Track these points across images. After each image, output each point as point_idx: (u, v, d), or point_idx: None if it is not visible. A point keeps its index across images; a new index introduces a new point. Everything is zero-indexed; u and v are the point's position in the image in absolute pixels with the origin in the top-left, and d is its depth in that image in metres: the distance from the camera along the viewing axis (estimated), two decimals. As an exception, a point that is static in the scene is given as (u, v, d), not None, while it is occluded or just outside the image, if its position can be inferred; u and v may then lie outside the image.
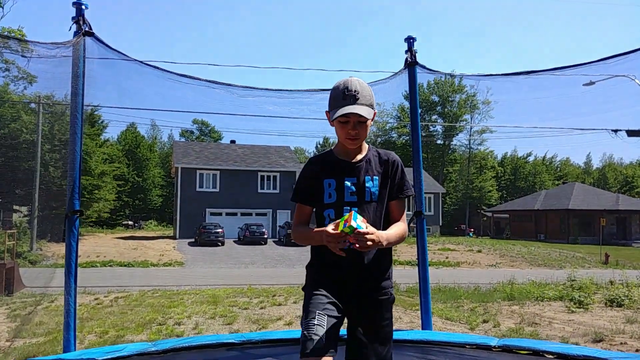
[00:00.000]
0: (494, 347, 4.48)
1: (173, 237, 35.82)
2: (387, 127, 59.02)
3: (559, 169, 74.15)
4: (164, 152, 64.17)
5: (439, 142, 61.65)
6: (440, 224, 46.09)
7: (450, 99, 58.23)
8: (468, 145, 61.38)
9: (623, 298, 10.86)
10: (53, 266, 18.65)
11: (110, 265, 20.83)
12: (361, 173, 2.29)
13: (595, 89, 6.93)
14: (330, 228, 2.09)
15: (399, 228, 2.28)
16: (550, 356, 4.23)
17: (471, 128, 59.79)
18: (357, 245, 2.05)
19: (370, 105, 2.26)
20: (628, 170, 73.28)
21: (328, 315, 2.15)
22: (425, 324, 5.05)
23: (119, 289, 12.73)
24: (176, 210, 37.16)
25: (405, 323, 8.13)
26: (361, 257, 2.24)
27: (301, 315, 2.22)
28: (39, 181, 24.35)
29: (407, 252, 22.41)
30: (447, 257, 26.35)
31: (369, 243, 2.04)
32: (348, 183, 2.27)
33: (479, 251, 29.94)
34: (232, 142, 43.63)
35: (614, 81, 6.84)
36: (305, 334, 2.11)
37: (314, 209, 2.37)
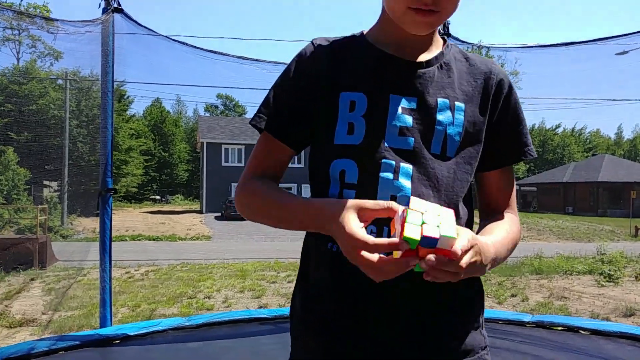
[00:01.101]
0: (528, 323, 4.43)
1: (200, 212, 36.32)
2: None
3: (588, 140, 72.60)
4: (189, 127, 64.64)
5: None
6: (466, 197, 45.70)
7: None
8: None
9: (655, 272, 10.70)
10: (84, 240, 19.10)
11: (140, 240, 21.25)
12: (429, 89, 1.05)
13: (628, 57, 6.71)
14: (369, 238, 0.85)
15: (510, 228, 1.08)
16: (585, 332, 4.16)
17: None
18: (430, 274, 0.82)
19: None
20: (661, 141, 71.38)
21: None
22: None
23: (148, 262, 12.97)
24: (202, 184, 37.59)
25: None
26: (421, 289, 0.98)
27: None
28: (68, 157, 24.77)
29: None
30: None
31: (461, 271, 0.83)
32: (399, 107, 1.03)
33: (506, 224, 29.64)
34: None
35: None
36: None
37: (309, 160, 1.13)
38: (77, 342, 3.91)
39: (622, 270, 11.14)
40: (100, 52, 4.10)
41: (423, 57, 1.07)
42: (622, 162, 48.30)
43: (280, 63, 4.44)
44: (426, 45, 1.09)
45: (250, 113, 55.81)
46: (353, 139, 1.02)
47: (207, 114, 60.49)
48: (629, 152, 69.39)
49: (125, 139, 38.20)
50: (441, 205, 0.89)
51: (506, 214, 1.12)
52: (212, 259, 13.98)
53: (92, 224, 22.05)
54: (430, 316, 1.01)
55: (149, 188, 53.42)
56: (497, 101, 1.10)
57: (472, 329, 1.06)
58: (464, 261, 0.82)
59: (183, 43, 4.26)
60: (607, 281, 10.13)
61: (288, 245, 19.92)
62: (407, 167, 1.00)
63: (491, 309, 7.26)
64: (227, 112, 64.45)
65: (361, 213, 0.90)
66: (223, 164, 36.87)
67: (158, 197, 53.58)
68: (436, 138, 1.03)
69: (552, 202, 46.57)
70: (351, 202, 0.91)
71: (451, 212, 0.86)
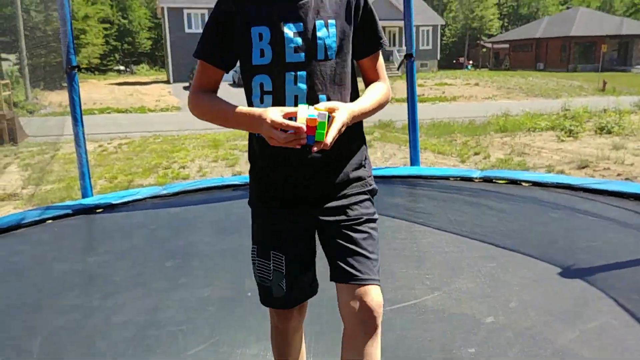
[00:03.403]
0: (476, 178, 4.78)
1: (167, 82, 35.48)
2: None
3: (564, -8, 70.79)
4: (148, -10, 60.74)
5: (438, -33, 58.05)
6: (438, 58, 45.29)
7: None
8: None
9: (613, 125, 11.13)
10: (51, 115, 18.81)
11: (109, 112, 20.98)
12: (309, 15, 1.45)
13: None
14: (276, 114, 1.33)
15: (377, 92, 1.55)
16: (527, 184, 4.53)
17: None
18: (315, 148, 1.32)
19: None
20: (636, -8, 69.91)
21: (287, 254, 1.55)
22: (414, 160, 5.32)
23: (120, 135, 12.99)
24: (167, 54, 36.29)
25: (399, 159, 8.47)
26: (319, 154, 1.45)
27: (252, 245, 1.62)
28: (23, 27, 23.41)
29: (404, 89, 22.35)
30: (443, 92, 26.35)
31: (332, 136, 1.32)
32: (289, 32, 1.43)
33: (476, 84, 29.84)
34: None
35: None
36: (262, 280, 1.59)
37: (240, 74, 1.56)
38: (63, 212, 4.14)
39: (583, 125, 11.57)
40: None
41: None
42: (595, 14, 47.69)
43: None
44: None
45: (212, -27, 52.35)
46: (264, 60, 1.45)
47: (166, -24, 56.60)
48: (604, 3, 68.15)
49: (80, 6, 35.96)
50: (328, 92, 1.47)
51: (376, 83, 1.60)
52: (183, 130, 14.05)
53: (57, 97, 21.54)
54: (329, 165, 1.53)
55: (112, 58, 51.32)
56: (357, 13, 1.53)
57: (359, 168, 1.60)
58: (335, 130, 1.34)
59: None
60: (567, 136, 10.57)
61: (260, 112, 19.90)
62: (302, 73, 1.45)
63: (454, 167, 7.66)
64: (187, -28, 60.31)
65: (284, 114, 1.35)
66: (187, 30, 35.32)
67: (122, 68, 51.80)
68: (319, 48, 1.46)
69: (524, 59, 46.55)
70: (273, 107, 1.37)
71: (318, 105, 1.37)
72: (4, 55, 27.08)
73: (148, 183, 7.11)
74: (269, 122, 1.32)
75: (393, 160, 8.44)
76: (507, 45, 50.69)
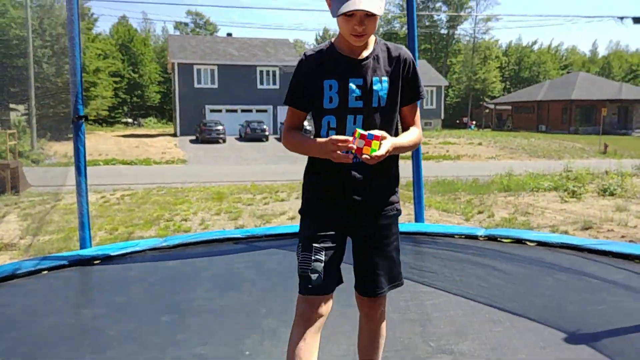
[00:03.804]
0: (481, 236, 4.71)
1: (174, 135, 35.94)
2: (390, 17, 57.00)
3: (564, 57, 72.53)
4: (159, 47, 62.45)
5: (443, 31, 59.81)
6: (442, 118, 45.95)
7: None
8: (472, 35, 59.67)
9: (616, 187, 11.15)
10: (57, 165, 18.95)
11: (113, 164, 21.14)
12: (368, 73, 1.90)
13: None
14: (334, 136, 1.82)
15: (412, 133, 1.99)
16: (532, 244, 4.46)
17: (476, 16, 57.73)
18: (365, 156, 1.76)
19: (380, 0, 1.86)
20: (634, 58, 71.64)
21: (326, 248, 1.92)
22: (419, 216, 5.28)
23: (124, 187, 13.03)
24: (175, 107, 36.94)
25: (403, 216, 8.40)
26: (366, 171, 1.93)
27: (298, 244, 1.98)
28: (34, 78, 23.96)
29: (407, 145, 22.51)
30: (447, 151, 26.59)
31: (380, 153, 1.77)
32: (353, 85, 1.88)
33: (480, 144, 30.15)
34: (229, 35, 42.37)
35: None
36: (303, 271, 1.91)
37: (311, 116, 2.03)
38: (60, 263, 4.07)
39: (586, 187, 11.58)
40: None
41: (364, 54, 1.93)
42: (595, 79, 48.67)
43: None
44: (365, 45, 1.93)
45: (222, 31, 54.02)
46: (332, 105, 1.90)
47: (177, 32, 58.43)
48: (603, 69, 69.71)
49: (92, 60, 36.86)
50: (380, 128, 1.85)
51: (412, 127, 2.03)
52: (188, 183, 14.09)
53: (63, 148, 21.80)
54: (372, 188, 1.95)
55: (120, 111, 52.22)
56: (403, 70, 1.97)
57: (393, 194, 2.03)
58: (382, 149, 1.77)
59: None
60: (570, 197, 10.57)
61: (264, 168, 20.09)
62: (359, 116, 1.90)
63: (458, 225, 7.60)
64: (197, 30, 62.26)
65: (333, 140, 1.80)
66: (196, 85, 36.13)
67: (130, 120, 52.60)
68: (374, 98, 1.91)
69: (527, 120, 47.19)
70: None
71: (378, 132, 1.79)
72: (12, 105, 27.62)
73: (149, 235, 7.05)
74: (332, 139, 1.77)
75: (397, 217, 8.40)
76: (509, 107, 51.52)
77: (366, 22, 1.82)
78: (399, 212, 2.06)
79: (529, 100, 47.40)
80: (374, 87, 1.90)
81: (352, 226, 1.98)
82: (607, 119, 38.84)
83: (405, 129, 2.02)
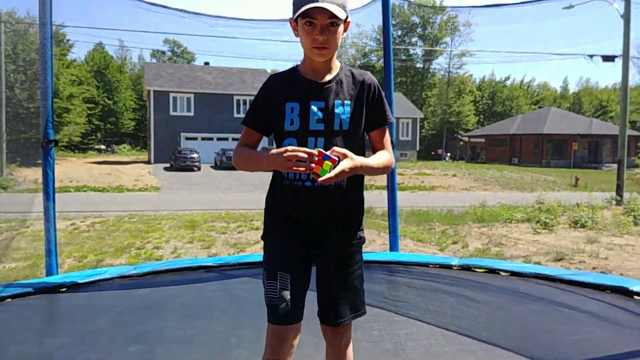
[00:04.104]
0: (455, 266, 4.73)
1: (148, 162, 35.58)
2: (367, 50, 58.06)
3: (536, 93, 74.54)
4: (135, 74, 62.31)
5: (418, 65, 61.08)
6: (417, 149, 46.54)
7: (431, 20, 57.16)
8: (447, 69, 61.06)
9: (587, 219, 11.31)
10: (26, 191, 18.53)
11: (85, 191, 20.77)
12: (330, 96, 1.90)
13: (573, 13, 6.88)
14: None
15: (381, 156, 1.95)
16: (505, 274, 4.48)
17: (451, 52, 59.20)
18: (320, 176, 1.72)
19: (343, 7, 1.83)
20: (603, 94, 74.00)
21: (292, 276, 1.88)
22: (393, 246, 5.28)
23: (94, 214, 12.76)
24: (150, 134, 36.68)
25: (378, 245, 8.41)
26: (327, 196, 1.89)
27: (263, 272, 1.95)
28: (5, 104, 23.59)
29: (384, 177, 22.69)
30: (422, 182, 26.84)
31: (330, 176, 1.72)
32: (314, 108, 1.88)
33: (454, 175, 30.52)
34: (206, 64, 42.54)
35: (592, 5, 6.80)
36: (270, 299, 1.88)
37: (273, 138, 2.00)
38: (24, 290, 3.93)
39: (558, 219, 11.74)
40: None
41: (327, 78, 1.94)
42: (566, 114, 50.04)
43: (220, 17, 4.41)
44: (329, 70, 1.95)
45: (199, 60, 54.21)
46: (293, 127, 1.89)
47: (154, 60, 58.44)
48: (573, 104, 71.76)
49: (66, 86, 36.53)
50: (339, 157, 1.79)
51: (382, 151, 1.98)
52: (160, 210, 13.89)
53: (33, 174, 21.34)
54: (336, 212, 1.93)
55: (93, 137, 51.62)
56: (368, 96, 1.96)
57: (357, 221, 2.00)
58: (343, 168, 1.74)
59: (121, -6, 4.15)
60: (543, 228, 10.69)
61: (238, 196, 19.95)
62: (320, 139, 1.88)
63: (433, 254, 7.61)
64: (175, 58, 62.39)
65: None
66: (171, 112, 36.00)
67: (103, 147, 51.99)
68: (336, 121, 1.89)
69: (500, 153, 48.09)
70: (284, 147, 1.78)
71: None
72: (-17, 130, 27.08)
73: (119, 263, 6.88)
74: (287, 148, 1.73)
75: (372, 246, 8.37)
76: (483, 140, 52.51)
77: (327, 33, 1.81)
78: (362, 239, 2.04)
79: (502, 133, 48.41)
80: (336, 110, 1.89)
81: (314, 253, 1.95)
82: (578, 152, 39.84)
83: (375, 152, 2.01)
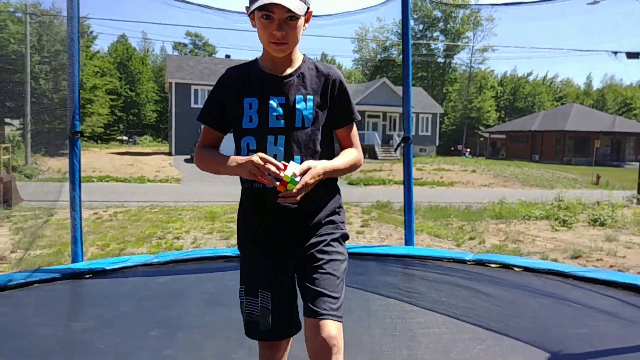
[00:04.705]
0: (469, 260, 4.78)
1: (169, 154, 36.00)
2: (388, 44, 57.78)
3: (559, 89, 73.48)
4: (157, 66, 62.84)
5: (440, 60, 60.60)
6: (437, 144, 46.29)
7: (453, 14, 56.60)
8: (469, 64, 60.50)
9: (606, 218, 11.23)
10: (49, 180, 18.91)
11: (107, 181, 21.14)
12: (291, 90, 1.77)
13: (598, 10, 6.84)
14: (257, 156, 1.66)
15: (348, 155, 1.85)
16: (518, 269, 4.52)
17: (473, 46, 58.61)
18: (283, 197, 1.66)
19: None
20: (627, 91, 72.65)
21: (272, 288, 1.79)
22: (408, 240, 5.34)
23: (117, 204, 13.02)
24: (171, 126, 37.07)
25: (395, 239, 8.47)
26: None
27: (240, 286, 1.86)
28: (30, 94, 24.05)
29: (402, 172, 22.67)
30: (441, 177, 26.74)
31: (295, 189, 1.64)
32: (274, 103, 1.75)
33: (473, 171, 30.33)
34: (227, 56, 42.77)
35: (617, 1, 6.75)
36: (250, 316, 1.81)
37: (233, 137, 1.88)
38: (51, 276, 4.09)
39: (577, 216, 11.67)
40: None
41: (287, 71, 1.82)
42: (589, 111, 49.30)
43: (244, 13, 4.48)
44: (290, 62, 1.82)
45: (220, 53, 54.52)
46: (252, 125, 1.78)
47: (176, 53, 58.88)
48: (597, 101, 70.61)
49: (89, 77, 37.11)
50: (302, 154, 1.77)
51: (349, 149, 1.89)
52: (181, 202, 14.11)
53: (57, 163, 21.73)
54: (305, 213, 1.81)
55: (116, 128, 52.34)
56: (333, 91, 1.84)
57: (332, 214, 1.87)
58: (303, 184, 1.64)
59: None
60: (561, 226, 10.64)
61: (258, 188, 20.03)
62: (281, 137, 1.76)
63: (449, 249, 7.65)
64: (196, 51, 62.80)
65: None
66: (192, 105, 36.32)
67: (125, 138, 52.68)
68: (297, 118, 1.77)
69: (520, 149, 47.58)
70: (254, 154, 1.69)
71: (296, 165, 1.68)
72: (7, 120, 27.65)
73: (140, 252, 7.06)
74: (257, 156, 1.64)
75: (389, 240, 8.44)
76: (503, 136, 52.00)
77: (286, 28, 1.69)
78: (340, 234, 1.87)
79: (523, 129, 47.88)
80: (297, 106, 1.76)
81: (289, 256, 1.82)
82: (600, 150, 39.29)
83: (343, 149, 1.92)
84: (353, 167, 1.86)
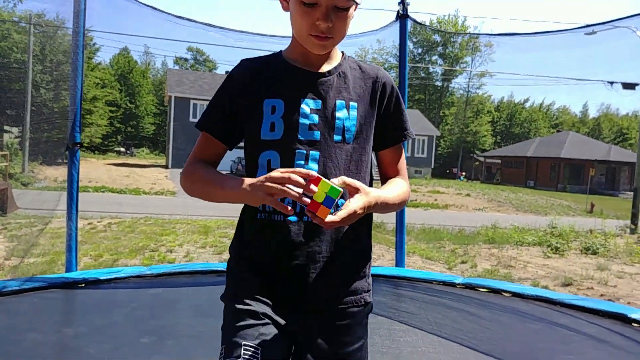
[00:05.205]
0: (458, 284, 4.83)
1: (165, 167, 36.07)
2: (386, 66, 58.38)
3: (555, 116, 74.15)
4: (157, 79, 63.23)
5: (437, 83, 61.22)
6: (432, 167, 46.52)
7: (452, 39, 57.35)
8: (467, 89, 61.13)
9: (599, 246, 11.29)
10: (45, 189, 18.90)
11: (103, 191, 21.13)
12: (330, 93, 1.35)
13: (595, 40, 6.97)
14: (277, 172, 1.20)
15: (400, 186, 1.41)
16: (507, 294, 4.57)
17: (471, 71, 59.26)
18: (319, 219, 1.16)
19: None
20: (623, 121, 73.38)
21: (264, 347, 1.27)
22: (399, 261, 5.39)
23: (111, 214, 13.03)
24: (169, 139, 37.20)
25: (387, 260, 8.51)
26: (319, 236, 1.32)
27: (222, 344, 1.37)
28: (30, 102, 24.17)
29: (396, 192, 22.68)
30: (435, 200, 26.83)
31: (337, 219, 1.17)
32: (306, 108, 1.32)
33: (468, 195, 30.45)
34: (227, 72, 43.14)
35: (615, 32, 6.89)
36: None
37: (244, 152, 1.43)
38: (44, 284, 4.12)
39: (570, 244, 11.73)
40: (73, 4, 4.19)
41: (324, 68, 1.39)
42: (585, 139, 49.73)
43: (245, 32, 4.62)
44: (325, 58, 1.40)
45: (220, 69, 54.90)
46: (275, 135, 1.33)
47: (177, 67, 59.29)
48: (593, 130, 71.22)
49: (90, 88, 37.32)
50: (344, 174, 1.28)
51: (397, 178, 1.47)
52: (176, 215, 14.11)
53: (54, 172, 21.75)
54: (329, 263, 1.35)
55: (114, 139, 52.45)
56: (382, 98, 1.42)
57: (359, 276, 1.44)
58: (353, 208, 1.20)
59: (152, 7, 4.37)
60: (554, 253, 10.69)
61: (253, 204, 20.05)
62: (314, 154, 1.32)
63: (441, 272, 7.69)
64: (197, 66, 63.28)
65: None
66: (191, 119, 36.48)
67: (123, 149, 52.76)
68: (337, 130, 1.35)
69: (515, 175, 47.86)
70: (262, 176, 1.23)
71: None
72: (7, 127, 27.70)
73: (133, 263, 7.08)
74: (272, 175, 1.19)
75: (381, 260, 8.48)
76: (499, 161, 52.32)
77: (334, 18, 1.27)
78: (367, 306, 1.44)
79: (518, 155, 48.22)
80: (337, 114, 1.34)
81: (295, 317, 1.34)
82: (595, 179, 39.52)
83: (386, 180, 1.47)
84: (402, 204, 1.42)
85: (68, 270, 4.55)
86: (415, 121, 41.63)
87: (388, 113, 1.43)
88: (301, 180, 1.15)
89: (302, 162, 1.32)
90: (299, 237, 1.32)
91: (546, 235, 13.07)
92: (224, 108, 1.40)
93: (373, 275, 4.95)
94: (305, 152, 1.32)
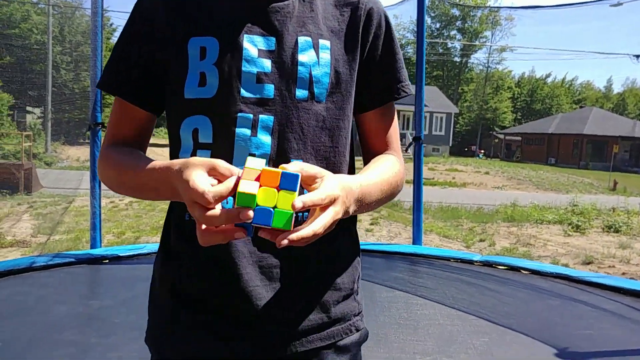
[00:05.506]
0: (476, 261, 4.84)
1: (185, 146, 36.34)
2: (403, 42, 57.65)
3: (578, 92, 72.74)
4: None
5: (456, 59, 60.34)
6: (451, 144, 46.14)
7: (471, 13, 56.33)
8: (486, 64, 60.16)
9: (621, 225, 11.17)
10: (68, 168, 19.22)
11: (125, 171, 21.42)
12: (288, 25, 0.90)
13: (621, 12, 6.80)
14: (207, 187, 0.69)
15: (390, 169, 0.95)
16: (526, 272, 4.57)
17: (491, 46, 58.26)
18: (283, 241, 0.69)
19: None
20: (649, 96, 71.70)
21: None
22: (416, 239, 5.40)
23: (133, 193, 13.23)
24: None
25: (403, 238, 8.55)
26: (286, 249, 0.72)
27: None
28: (51, 83, 24.47)
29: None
30: (453, 178, 26.67)
31: (309, 234, 0.70)
32: (251, 49, 0.88)
33: (487, 173, 30.20)
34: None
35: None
36: None
37: (164, 116, 0.98)
38: (71, 260, 4.27)
39: (591, 222, 11.62)
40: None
41: None
42: (608, 115, 48.72)
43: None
44: None
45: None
46: (205, 92, 0.87)
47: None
48: (617, 105, 69.78)
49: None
50: (308, 157, 0.89)
51: (386, 155, 0.99)
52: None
53: (76, 152, 22.11)
54: (296, 290, 0.91)
55: (134, 120, 52.89)
56: (367, 33, 0.95)
57: (346, 296, 0.96)
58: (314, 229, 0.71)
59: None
60: (574, 231, 10.61)
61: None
62: (267, 119, 0.87)
63: (459, 250, 7.71)
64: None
65: (212, 173, 0.73)
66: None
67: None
68: (300, 82, 0.89)
69: (536, 152, 47.22)
70: (202, 159, 0.75)
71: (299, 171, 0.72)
72: (29, 108, 28.11)
73: (155, 241, 7.22)
74: (205, 192, 0.69)
75: (398, 239, 8.52)
76: (519, 138, 51.65)
77: None
78: (360, 334, 0.98)
79: (539, 132, 47.50)
80: (300, 57, 0.89)
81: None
82: (619, 155, 38.82)
83: (370, 156, 1.00)
84: (392, 195, 0.95)
85: (92, 247, 4.68)
86: (434, 98, 41.18)
87: (374, 55, 0.96)
88: (218, 211, 0.69)
89: (248, 133, 0.87)
90: (246, 245, 0.88)
91: (567, 213, 12.96)
92: (134, 54, 0.93)
93: (389, 253, 5.03)
94: (252, 116, 0.87)
